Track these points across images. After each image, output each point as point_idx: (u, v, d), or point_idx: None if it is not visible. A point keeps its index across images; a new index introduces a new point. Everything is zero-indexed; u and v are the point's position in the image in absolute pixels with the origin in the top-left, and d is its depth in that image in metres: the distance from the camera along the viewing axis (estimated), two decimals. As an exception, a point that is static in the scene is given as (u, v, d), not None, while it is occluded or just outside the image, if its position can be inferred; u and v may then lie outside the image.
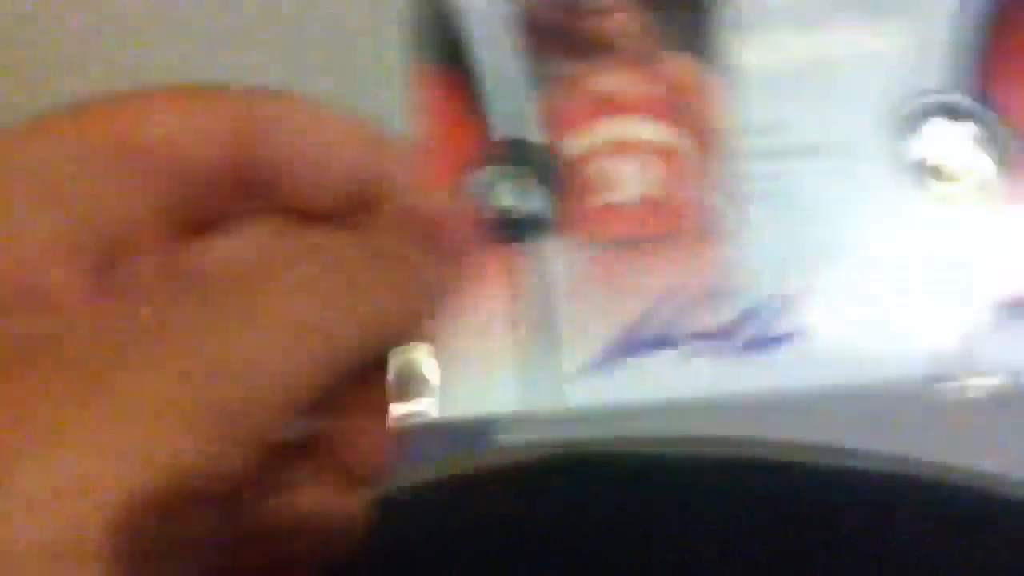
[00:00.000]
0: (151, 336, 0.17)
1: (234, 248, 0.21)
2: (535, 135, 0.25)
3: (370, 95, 0.25)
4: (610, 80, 0.25)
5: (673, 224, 0.24)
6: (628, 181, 0.25)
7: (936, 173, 0.24)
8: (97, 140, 0.19)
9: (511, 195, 0.25)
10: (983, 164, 0.23)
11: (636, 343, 0.24)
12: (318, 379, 0.18)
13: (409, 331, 0.20)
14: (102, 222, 0.18)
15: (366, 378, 0.23)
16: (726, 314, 0.24)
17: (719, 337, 0.24)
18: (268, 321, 0.18)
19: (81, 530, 0.15)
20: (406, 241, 0.20)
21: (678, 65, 0.25)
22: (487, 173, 0.25)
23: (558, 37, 0.25)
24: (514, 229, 0.25)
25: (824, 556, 0.30)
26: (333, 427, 0.21)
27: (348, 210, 0.21)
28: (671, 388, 0.24)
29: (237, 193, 0.22)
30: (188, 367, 0.17)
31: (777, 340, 0.24)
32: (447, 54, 0.25)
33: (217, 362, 0.17)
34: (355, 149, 0.23)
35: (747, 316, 0.24)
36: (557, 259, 0.25)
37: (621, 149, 0.25)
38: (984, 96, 0.23)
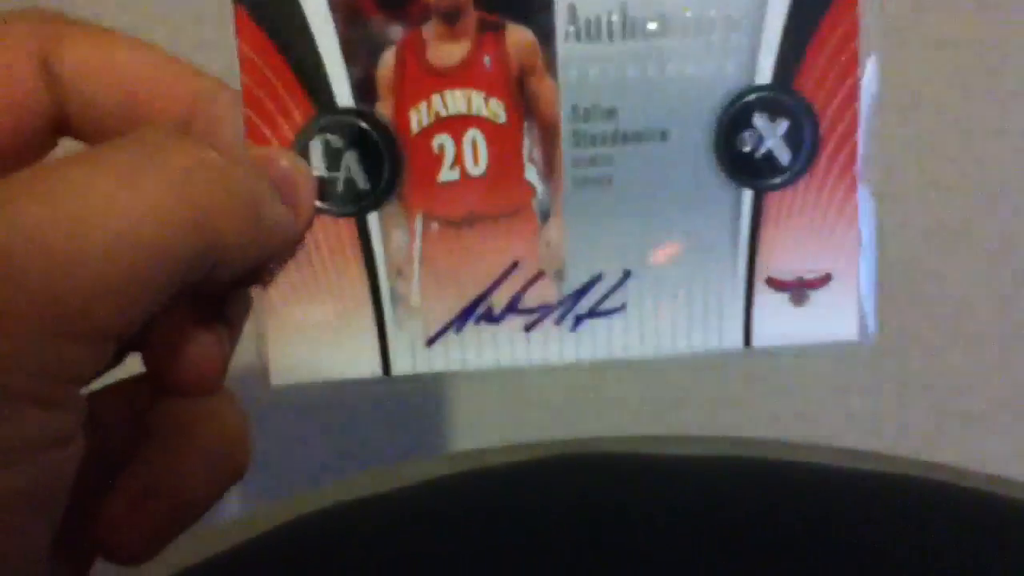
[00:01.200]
0: None
1: None
2: (371, 105, 0.24)
3: (201, 55, 0.23)
4: (449, 50, 0.25)
5: (508, 203, 0.25)
6: (464, 157, 0.25)
7: (753, 163, 0.26)
8: None
9: (352, 165, 0.25)
10: (796, 157, 0.26)
11: (477, 315, 0.25)
12: (138, 272, 0.17)
13: (239, 243, 0.20)
14: None
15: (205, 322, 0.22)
16: (558, 289, 0.26)
17: (554, 309, 0.26)
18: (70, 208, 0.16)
19: None
20: (261, 181, 0.21)
21: (518, 40, 0.25)
22: (325, 144, 0.24)
23: (395, 4, 0.24)
24: (351, 199, 0.25)
25: (823, 555, 0.30)
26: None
27: None
28: (510, 357, 0.26)
29: (48, 138, 0.22)
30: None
31: (603, 314, 0.26)
32: (274, 15, 0.24)
33: (32, 244, 0.16)
34: (179, 98, 0.22)
35: (578, 292, 0.26)
36: (396, 231, 0.25)
37: (458, 125, 0.25)
38: (800, 95, 0.25)
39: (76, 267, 0.16)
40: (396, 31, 0.24)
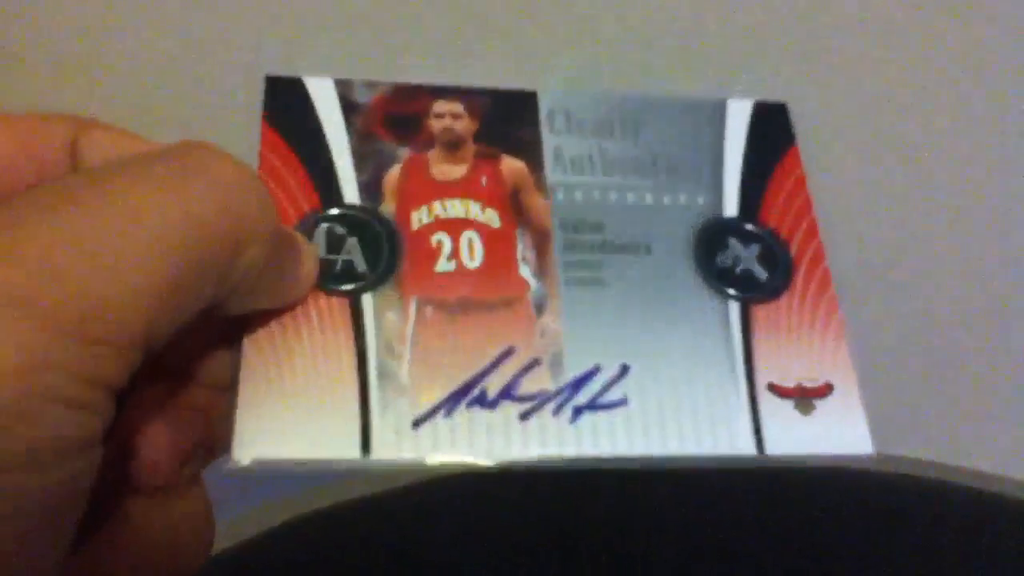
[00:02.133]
0: None
1: None
2: (377, 204, 0.26)
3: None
4: (450, 169, 0.27)
5: (502, 294, 0.25)
6: (461, 252, 0.26)
7: (734, 278, 0.27)
8: None
9: (352, 250, 0.25)
10: (774, 275, 0.27)
11: (469, 398, 0.24)
12: (175, 279, 0.17)
13: (261, 265, 0.20)
14: None
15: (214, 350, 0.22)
16: (556, 378, 0.24)
17: (551, 398, 0.24)
18: (124, 206, 0.17)
19: None
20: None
21: (512, 167, 0.28)
22: (328, 230, 0.25)
23: (406, 128, 0.27)
24: (348, 279, 0.25)
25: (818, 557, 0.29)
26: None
27: None
28: (505, 448, 0.23)
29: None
30: (43, 255, 0.16)
31: (595, 408, 0.24)
32: (296, 127, 0.27)
33: (74, 247, 0.16)
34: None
35: (576, 381, 0.24)
36: (390, 312, 0.25)
37: (456, 226, 0.26)
38: (766, 225, 0.28)
39: (117, 272, 0.16)
40: (403, 151, 0.27)
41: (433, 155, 0.27)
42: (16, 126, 0.21)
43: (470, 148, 0.28)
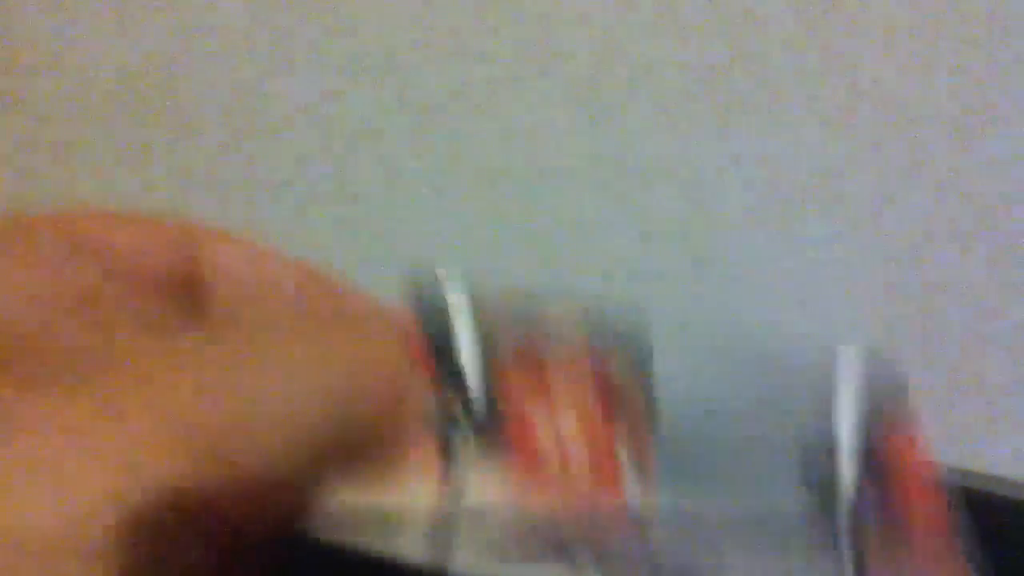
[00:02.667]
0: (146, 350, 0.17)
1: None
2: (489, 392, 0.29)
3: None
4: (557, 377, 0.30)
5: (593, 476, 0.27)
6: (557, 436, 0.28)
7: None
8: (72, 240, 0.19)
9: (456, 416, 0.28)
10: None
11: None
12: (308, 425, 0.17)
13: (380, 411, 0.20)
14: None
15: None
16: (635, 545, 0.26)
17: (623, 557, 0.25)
18: (268, 360, 0.17)
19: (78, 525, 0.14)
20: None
21: (619, 380, 0.30)
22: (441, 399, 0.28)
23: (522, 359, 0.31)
24: (452, 437, 0.27)
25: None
26: None
27: None
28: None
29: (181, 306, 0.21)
30: (185, 385, 0.16)
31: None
32: (435, 328, 0.31)
33: (214, 386, 0.16)
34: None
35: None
36: (480, 467, 0.27)
37: (557, 412, 0.29)
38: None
39: (264, 426, 0.17)
40: (519, 340, 0.31)
41: (547, 345, 0.31)
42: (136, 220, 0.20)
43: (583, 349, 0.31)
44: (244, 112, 0.48)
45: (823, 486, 0.27)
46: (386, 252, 0.45)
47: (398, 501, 0.24)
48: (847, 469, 0.28)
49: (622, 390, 0.30)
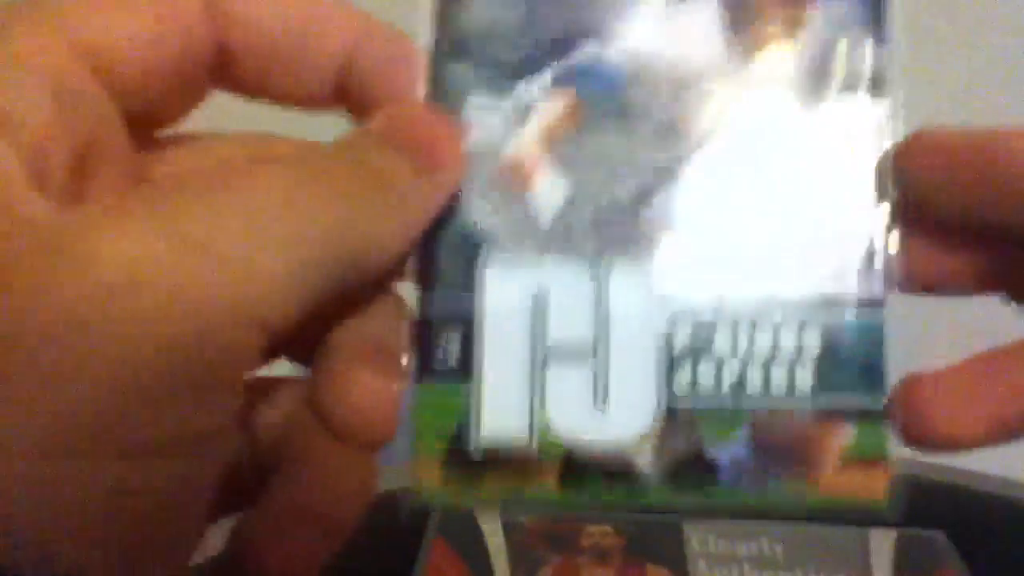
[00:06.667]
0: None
1: (200, 159, 0.20)
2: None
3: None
4: (599, 573, 0.30)
5: None
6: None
7: None
8: (54, 53, 0.17)
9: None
10: None
11: None
12: (288, 284, 0.17)
13: (385, 248, 0.19)
14: (67, 137, 0.17)
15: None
16: None
17: None
18: (237, 211, 0.16)
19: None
20: (390, 155, 0.19)
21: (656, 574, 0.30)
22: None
23: (560, 540, 0.31)
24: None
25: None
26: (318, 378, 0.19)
27: (334, 100, 0.20)
28: None
29: (207, 82, 0.20)
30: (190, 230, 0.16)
31: None
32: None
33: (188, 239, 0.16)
34: (343, 35, 0.20)
35: None
36: None
37: None
38: None
39: (262, 264, 0.16)
40: (555, 556, 0.31)
41: (583, 559, 0.31)
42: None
43: (618, 556, 0.31)
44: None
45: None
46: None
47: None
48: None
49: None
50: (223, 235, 0.16)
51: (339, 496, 0.19)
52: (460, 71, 0.21)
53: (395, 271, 0.21)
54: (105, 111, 0.18)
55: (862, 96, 0.21)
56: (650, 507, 0.20)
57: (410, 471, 0.20)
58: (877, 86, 0.21)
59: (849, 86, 0.21)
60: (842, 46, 0.21)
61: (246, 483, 0.19)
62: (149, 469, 0.16)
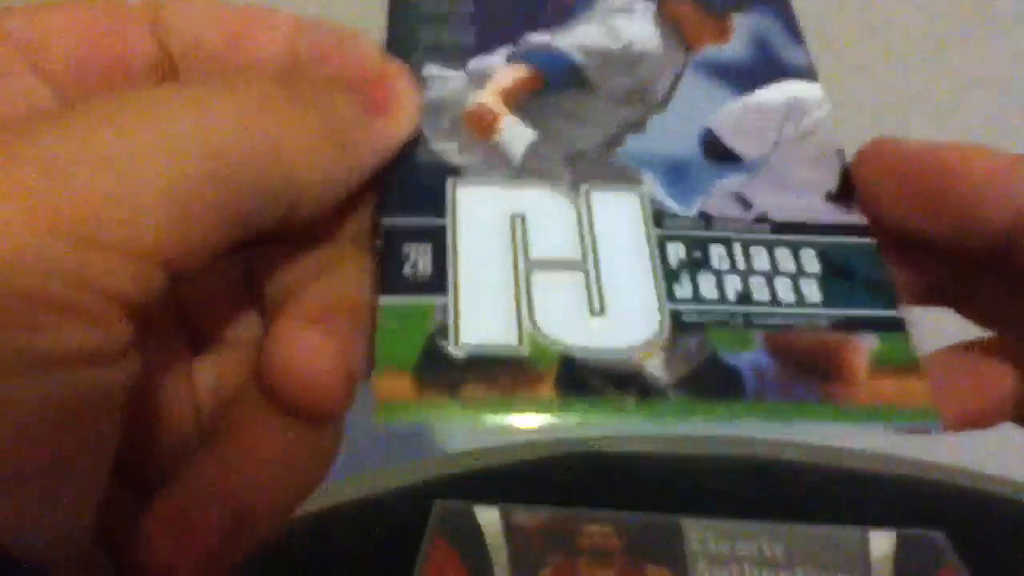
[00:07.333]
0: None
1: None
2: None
3: None
4: (599, 573, 0.29)
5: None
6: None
7: None
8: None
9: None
10: None
11: None
12: (188, 192, 0.16)
13: (324, 180, 0.18)
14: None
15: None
16: None
17: None
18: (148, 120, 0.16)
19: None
20: (337, 93, 0.19)
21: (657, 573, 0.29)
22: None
23: (558, 539, 0.29)
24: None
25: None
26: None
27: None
28: None
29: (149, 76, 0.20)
30: (47, 154, 0.15)
31: None
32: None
33: (83, 150, 0.15)
34: (281, 35, 0.20)
35: None
36: None
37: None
38: None
39: (129, 177, 0.15)
40: (555, 557, 0.30)
41: (583, 560, 0.29)
42: (90, 13, 0.19)
43: (618, 556, 0.30)
44: None
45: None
46: None
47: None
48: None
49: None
50: (112, 144, 0.16)
51: (264, 478, 0.17)
52: (412, 47, 0.22)
53: (352, 226, 0.20)
54: (42, 99, 0.18)
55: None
56: (667, 422, 0.17)
57: (373, 391, 0.16)
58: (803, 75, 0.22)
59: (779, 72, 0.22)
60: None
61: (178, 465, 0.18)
62: (23, 386, 0.15)
